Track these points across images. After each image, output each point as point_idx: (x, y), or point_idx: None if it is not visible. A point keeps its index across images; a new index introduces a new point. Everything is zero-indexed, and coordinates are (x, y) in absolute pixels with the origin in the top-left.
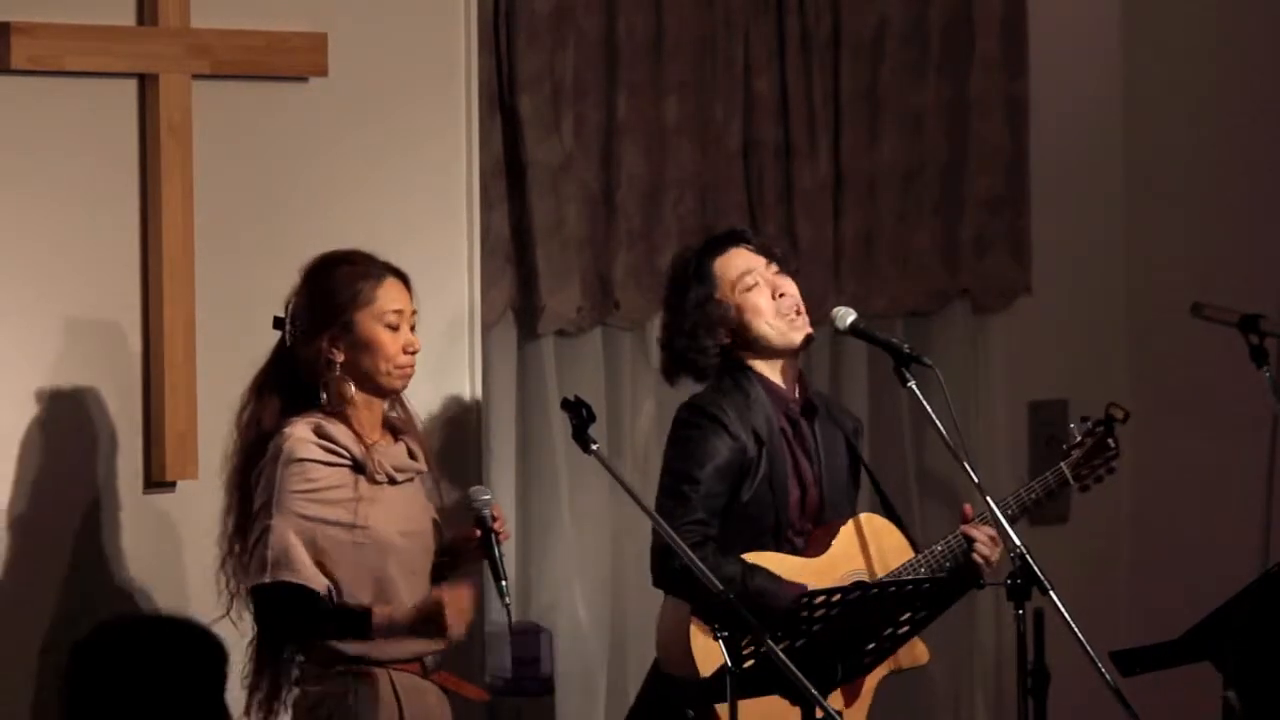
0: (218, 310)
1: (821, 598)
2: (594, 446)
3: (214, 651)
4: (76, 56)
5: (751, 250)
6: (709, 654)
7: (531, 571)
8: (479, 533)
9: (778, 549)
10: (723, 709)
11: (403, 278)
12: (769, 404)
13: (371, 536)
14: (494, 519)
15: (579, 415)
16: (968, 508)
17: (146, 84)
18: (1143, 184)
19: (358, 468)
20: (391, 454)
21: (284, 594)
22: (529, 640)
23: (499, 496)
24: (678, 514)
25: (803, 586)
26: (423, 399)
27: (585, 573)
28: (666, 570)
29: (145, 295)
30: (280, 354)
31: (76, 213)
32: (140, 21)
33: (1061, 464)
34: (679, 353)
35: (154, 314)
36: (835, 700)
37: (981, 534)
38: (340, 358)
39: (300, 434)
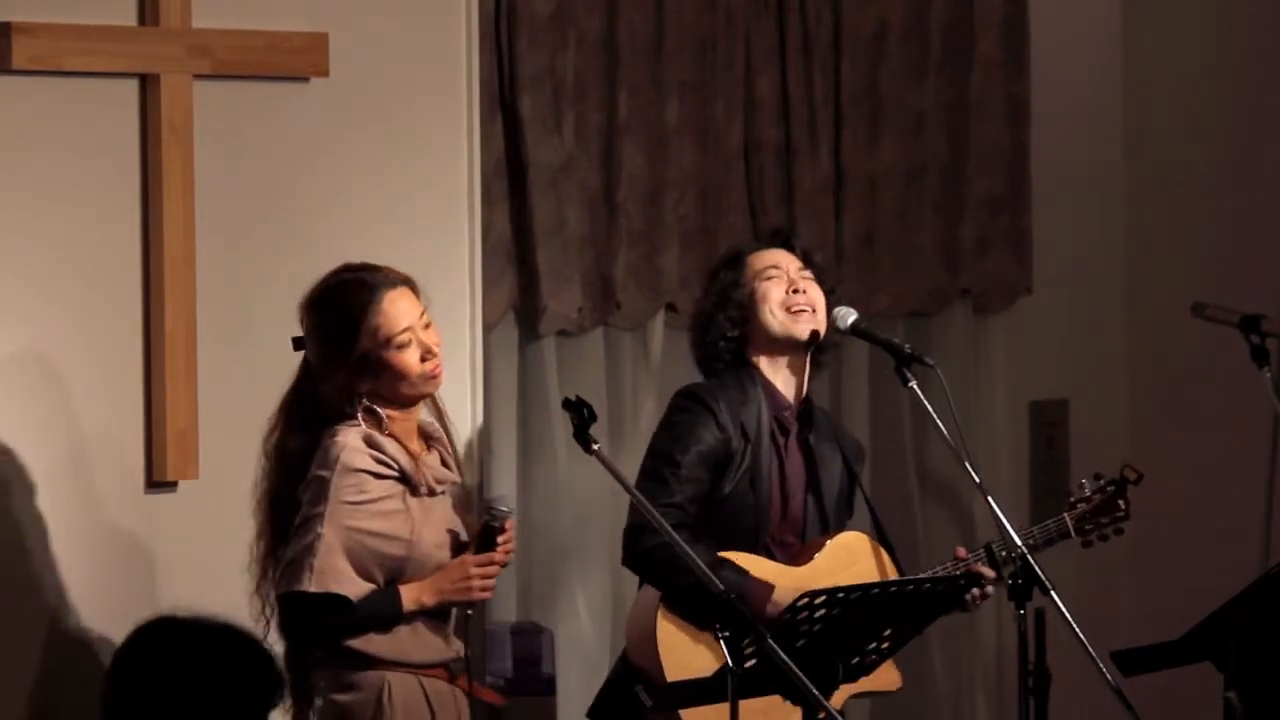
0: (218, 310)
1: (822, 597)
2: (595, 446)
3: (261, 659)
4: (77, 56)
5: (790, 253)
6: (671, 646)
7: (533, 572)
8: (481, 538)
9: (754, 554)
10: (688, 714)
11: (404, 284)
12: (764, 406)
13: (418, 551)
14: (503, 530)
15: (580, 415)
16: (960, 550)
17: (148, 84)
18: (1143, 184)
19: (404, 480)
20: (432, 464)
21: (319, 601)
22: (530, 640)
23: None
24: (656, 496)
25: (770, 586)
26: None
27: (586, 573)
28: (635, 551)
29: (145, 295)
30: (305, 375)
31: (77, 213)
32: (141, 21)
33: (1065, 514)
34: (696, 334)
35: (154, 314)
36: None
37: (982, 575)
38: (364, 387)
39: (353, 443)
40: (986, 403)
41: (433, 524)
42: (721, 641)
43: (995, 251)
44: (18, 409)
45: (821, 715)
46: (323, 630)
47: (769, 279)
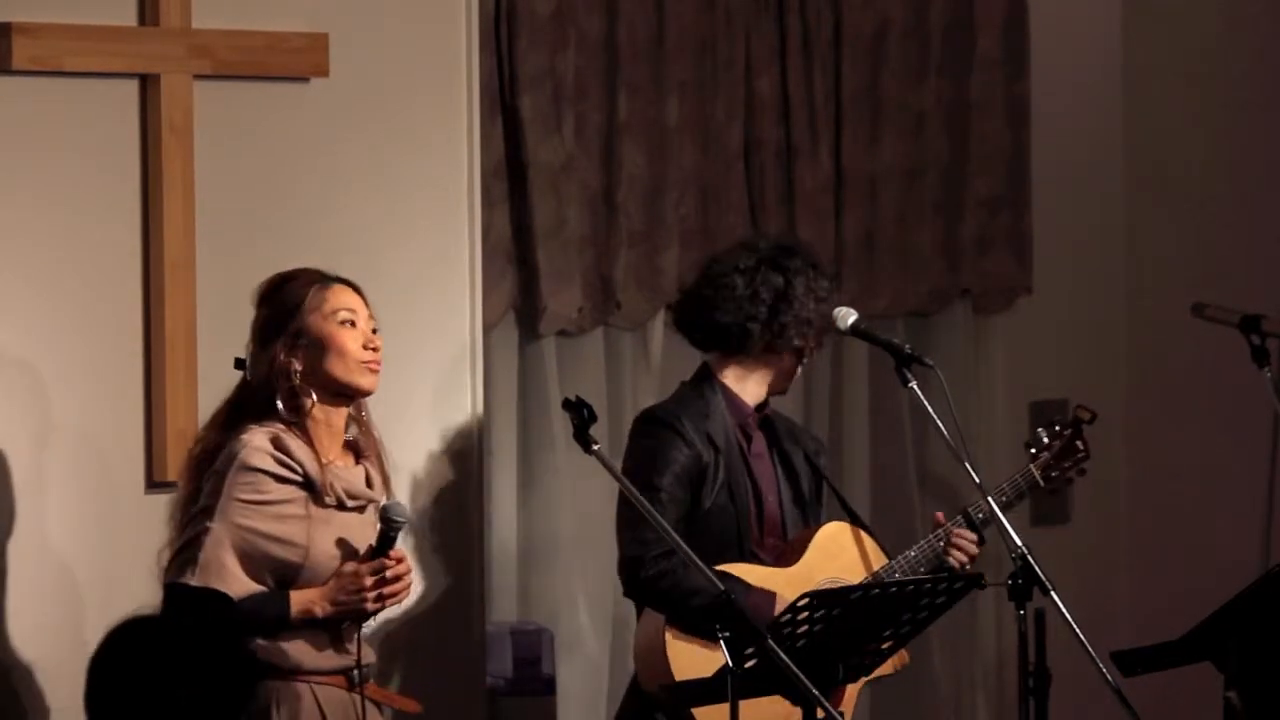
0: (218, 310)
1: (823, 598)
2: (595, 447)
3: (227, 657)
4: (78, 57)
5: None
6: (684, 664)
7: (533, 572)
8: (376, 545)
9: (743, 562)
10: (700, 713)
11: (353, 286)
12: (728, 416)
13: (311, 560)
14: (396, 536)
15: (580, 415)
16: (939, 516)
17: (148, 84)
18: (1143, 184)
19: (308, 485)
20: (346, 477)
21: (201, 595)
22: (530, 640)
23: (501, 498)
24: (642, 524)
25: (772, 594)
26: (423, 401)
27: (587, 573)
28: (636, 580)
29: (145, 295)
30: (239, 392)
31: (77, 213)
32: (141, 22)
33: (1030, 465)
34: (753, 299)
35: (154, 314)
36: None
37: (963, 539)
38: (299, 366)
39: (257, 443)
40: (986, 403)
41: (331, 534)
42: (721, 642)
43: (995, 251)
44: (18, 409)
45: (821, 715)
46: (204, 625)
47: (822, 330)
